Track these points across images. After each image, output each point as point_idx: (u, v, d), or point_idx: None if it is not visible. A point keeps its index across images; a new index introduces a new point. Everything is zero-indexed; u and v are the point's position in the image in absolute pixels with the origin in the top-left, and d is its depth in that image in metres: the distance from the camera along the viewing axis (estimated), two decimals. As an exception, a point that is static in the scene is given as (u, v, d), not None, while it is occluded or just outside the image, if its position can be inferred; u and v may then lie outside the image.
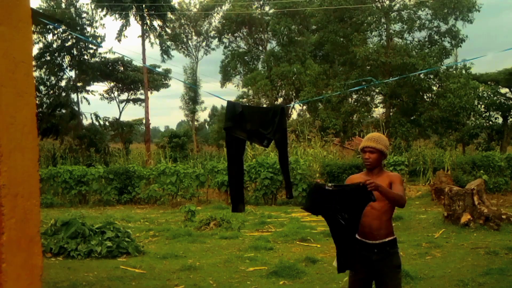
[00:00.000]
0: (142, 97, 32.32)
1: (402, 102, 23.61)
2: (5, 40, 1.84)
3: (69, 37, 27.36)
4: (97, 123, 29.79)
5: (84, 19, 28.26)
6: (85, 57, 29.09)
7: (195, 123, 39.92)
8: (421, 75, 21.03)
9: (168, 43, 32.55)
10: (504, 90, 23.77)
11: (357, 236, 3.36)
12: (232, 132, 4.00)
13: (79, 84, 29.83)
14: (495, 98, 23.29)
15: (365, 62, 21.97)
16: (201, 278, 6.05)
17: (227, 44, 36.84)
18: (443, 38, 22.88)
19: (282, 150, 3.99)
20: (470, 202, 8.80)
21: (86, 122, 30.02)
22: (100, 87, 72.64)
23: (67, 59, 28.84)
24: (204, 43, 38.95)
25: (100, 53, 29.65)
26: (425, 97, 23.11)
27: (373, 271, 3.37)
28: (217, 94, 4.54)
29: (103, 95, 33.89)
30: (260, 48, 36.30)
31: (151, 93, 32.46)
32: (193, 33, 38.57)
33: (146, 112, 28.66)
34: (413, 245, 7.57)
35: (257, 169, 14.36)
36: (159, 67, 32.46)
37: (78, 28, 27.38)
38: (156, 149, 28.14)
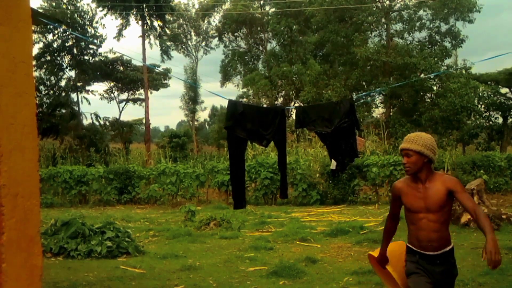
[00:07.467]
0: (142, 97, 32.33)
1: (402, 102, 23.60)
2: (5, 40, 1.84)
3: (69, 37, 27.37)
4: (97, 123, 29.84)
5: (84, 19, 28.24)
6: (85, 57, 29.08)
7: (195, 123, 39.86)
8: (422, 75, 21.03)
9: (168, 43, 32.50)
10: (504, 90, 23.78)
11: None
12: (232, 131, 4.01)
13: (79, 84, 29.83)
14: (495, 98, 23.29)
15: (366, 62, 21.96)
16: (201, 278, 6.04)
17: (227, 43, 36.86)
18: (443, 38, 22.90)
19: (281, 151, 4.01)
20: (470, 202, 8.79)
21: (86, 122, 30.08)
22: (100, 87, 72.57)
23: (67, 58, 28.84)
24: (203, 43, 38.95)
25: (100, 53, 29.69)
26: (425, 97, 23.11)
27: (435, 280, 3.19)
28: (217, 94, 4.54)
29: (103, 95, 33.89)
30: (260, 48, 36.28)
31: (151, 93, 32.46)
32: (193, 33, 38.56)
33: (146, 112, 28.66)
34: (413, 245, 7.55)
35: (257, 169, 14.35)
36: (159, 66, 32.49)
37: (79, 28, 27.37)
38: (156, 149, 28.12)
